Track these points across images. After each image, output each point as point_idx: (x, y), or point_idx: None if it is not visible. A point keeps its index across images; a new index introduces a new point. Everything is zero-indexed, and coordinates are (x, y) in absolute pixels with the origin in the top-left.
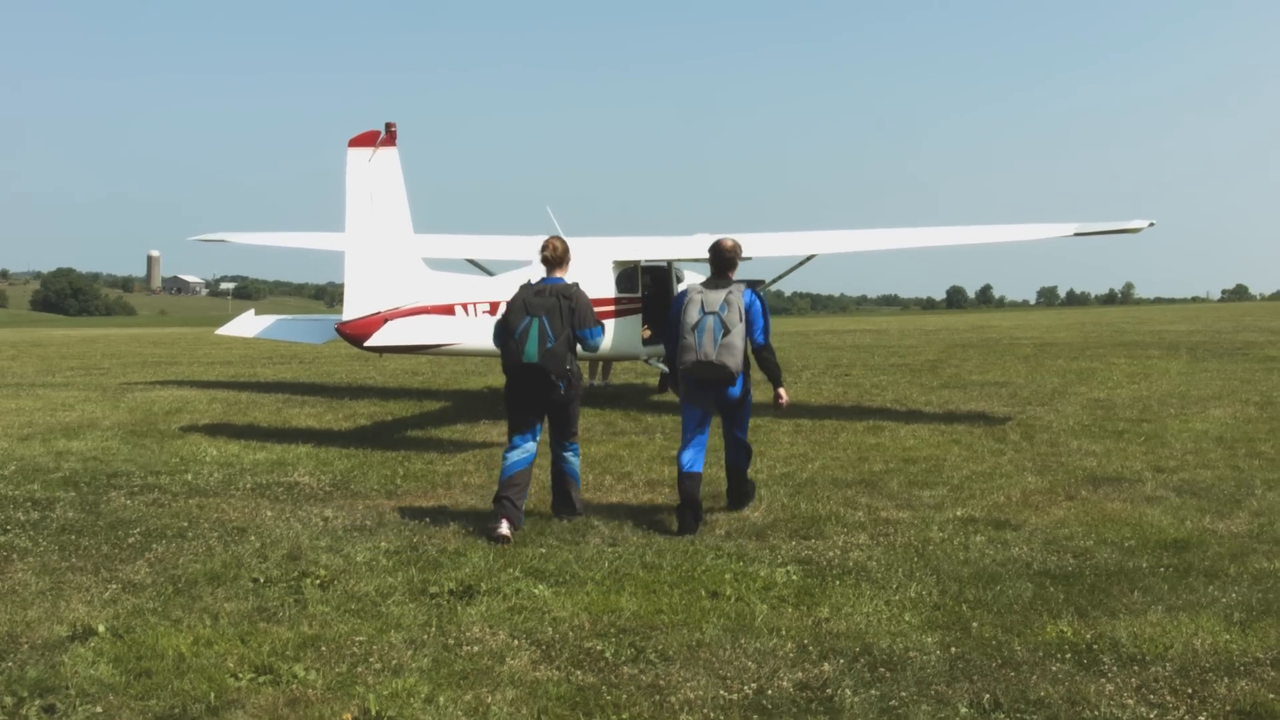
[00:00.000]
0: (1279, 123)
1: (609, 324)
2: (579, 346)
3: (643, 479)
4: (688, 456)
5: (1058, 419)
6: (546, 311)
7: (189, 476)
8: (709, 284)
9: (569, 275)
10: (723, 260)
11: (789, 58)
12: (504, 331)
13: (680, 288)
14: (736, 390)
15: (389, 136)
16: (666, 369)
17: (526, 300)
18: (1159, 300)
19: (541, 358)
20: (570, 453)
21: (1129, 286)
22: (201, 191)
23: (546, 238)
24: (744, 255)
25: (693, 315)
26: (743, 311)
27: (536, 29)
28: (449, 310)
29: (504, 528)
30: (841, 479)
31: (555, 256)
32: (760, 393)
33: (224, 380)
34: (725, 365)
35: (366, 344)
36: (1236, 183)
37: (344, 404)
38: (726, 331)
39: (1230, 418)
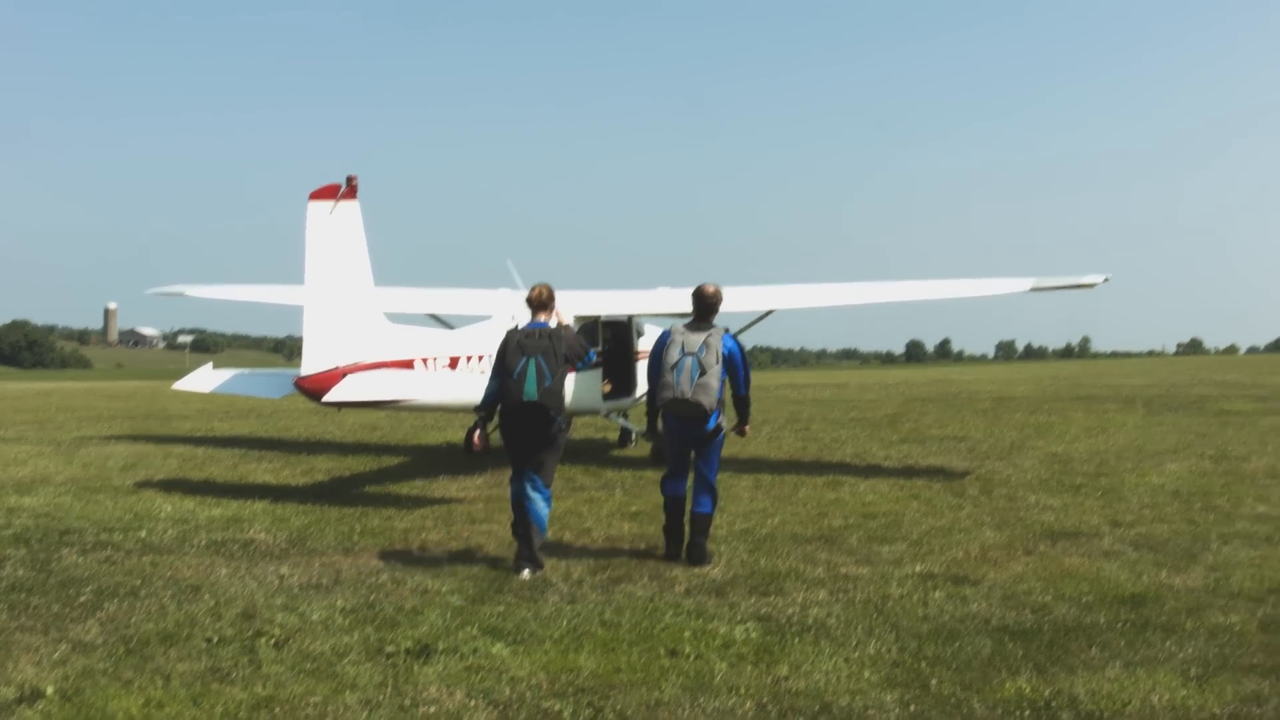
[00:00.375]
0: (1235, 178)
1: (569, 378)
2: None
3: (602, 535)
4: (671, 485)
5: (1016, 473)
6: (541, 352)
7: (143, 533)
8: (691, 326)
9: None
10: (704, 305)
11: (751, 106)
12: (502, 372)
13: (641, 342)
14: (711, 425)
15: (350, 190)
16: (625, 423)
17: (520, 342)
18: (1115, 354)
19: (541, 395)
20: (542, 498)
21: (1086, 340)
22: (160, 242)
23: (534, 285)
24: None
25: (673, 355)
26: (720, 355)
27: (498, 81)
28: (409, 365)
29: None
30: (801, 535)
31: (541, 300)
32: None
33: (180, 435)
34: (700, 404)
35: (325, 399)
36: (1192, 237)
37: (301, 459)
38: (703, 372)
39: (1186, 472)
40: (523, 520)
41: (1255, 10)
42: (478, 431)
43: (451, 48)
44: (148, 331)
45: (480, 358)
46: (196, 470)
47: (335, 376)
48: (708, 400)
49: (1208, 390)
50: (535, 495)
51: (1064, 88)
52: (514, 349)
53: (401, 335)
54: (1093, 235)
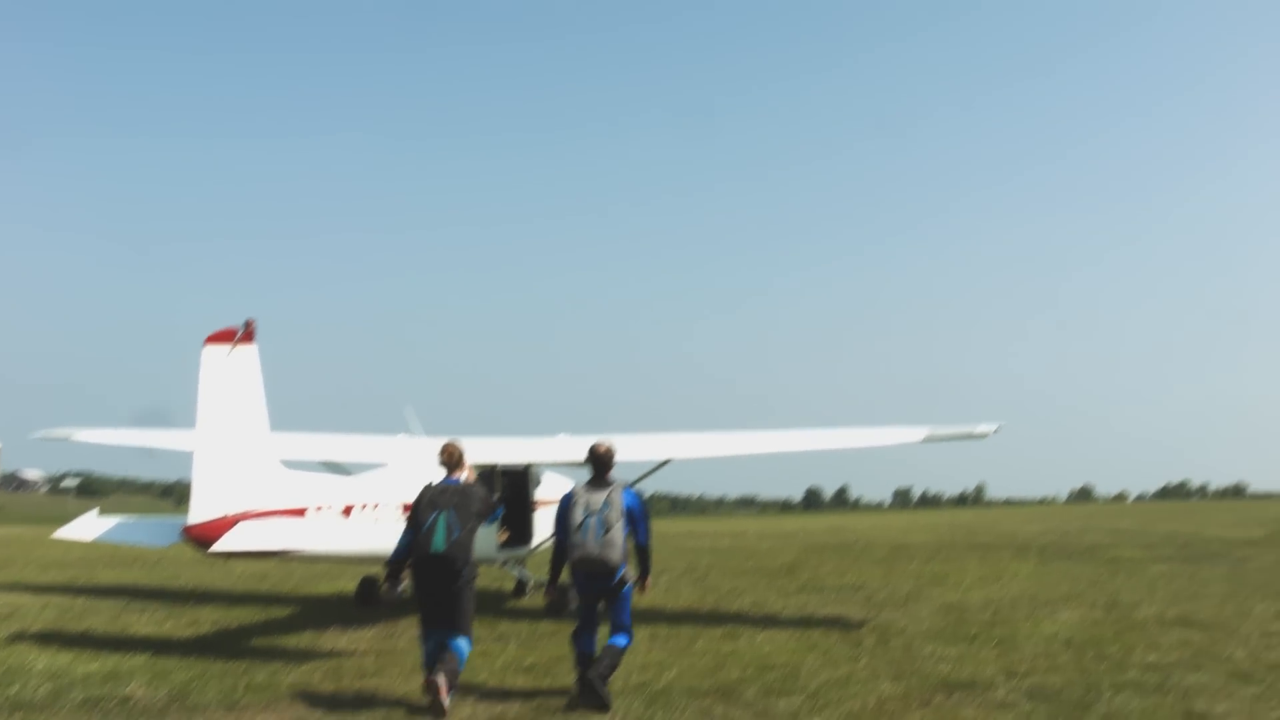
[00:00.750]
0: (1125, 323)
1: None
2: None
3: (496, 688)
4: (582, 640)
5: (912, 623)
6: (452, 507)
7: (13, 690)
8: (590, 485)
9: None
10: (599, 463)
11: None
12: (413, 526)
13: (538, 491)
14: (617, 577)
15: (248, 334)
16: (522, 573)
17: (433, 498)
18: (1009, 501)
19: (449, 547)
20: (463, 640)
21: (981, 487)
22: (47, 381)
23: (445, 443)
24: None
25: (577, 516)
26: (623, 510)
27: (391, 224)
28: (301, 513)
29: (443, 693)
30: (698, 688)
31: (453, 461)
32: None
33: (59, 584)
34: (607, 560)
35: (214, 548)
36: (1082, 383)
37: (186, 610)
38: (607, 529)
39: (1078, 620)
40: (441, 654)
41: (1140, 161)
42: (387, 582)
43: (349, 185)
44: (31, 475)
45: (375, 505)
46: (75, 622)
47: (224, 525)
48: (614, 556)
49: (1099, 538)
50: (456, 639)
51: (955, 228)
52: (426, 504)
53: (295, 481)
54: (987, 380)
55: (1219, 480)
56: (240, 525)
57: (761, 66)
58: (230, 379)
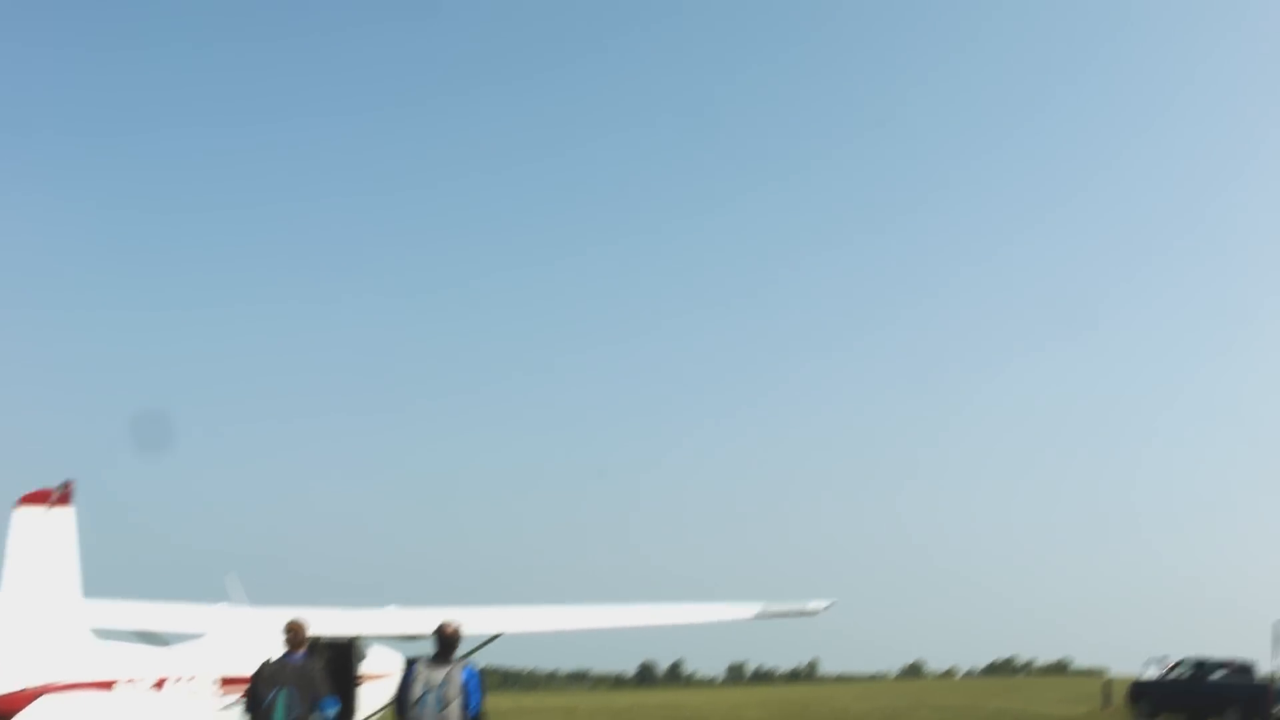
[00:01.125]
0: (956, 496)
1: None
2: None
3: None
4: None
5: None
6: (292, 683)
7: None
8: (432, 661)
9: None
10: (444, 642)
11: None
12: (252, 702)
13: (363, 665)
14: None
15: (64, 495)
16: None
17: (274, 673)
18: (841, 677)
19: None
20: None
21: (814, 663)
22: None
23: (289, 620)
24: (421, 633)
25: (416, 691)
26: (461, 686)
27: (226, 387)
28: (109, 686)
29: None
30: None
31: (297, 639)
32: None
33: None
34: None
35: None
36: (913, 556)
37: None
38: (445, 705)
39: None
40: None
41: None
42: None
43: (172, 349)
44: None
45: (191, 678)
46: None
47: (23, 699)
48: None
49: (928, 715)
50: None
51: (794, 400)
52: (266, 680)
53: (103, 653)
54: (820, 554)
55: (1044, 656)
56: (41, 699)
57: (611, 222)
58: (41, 542)
